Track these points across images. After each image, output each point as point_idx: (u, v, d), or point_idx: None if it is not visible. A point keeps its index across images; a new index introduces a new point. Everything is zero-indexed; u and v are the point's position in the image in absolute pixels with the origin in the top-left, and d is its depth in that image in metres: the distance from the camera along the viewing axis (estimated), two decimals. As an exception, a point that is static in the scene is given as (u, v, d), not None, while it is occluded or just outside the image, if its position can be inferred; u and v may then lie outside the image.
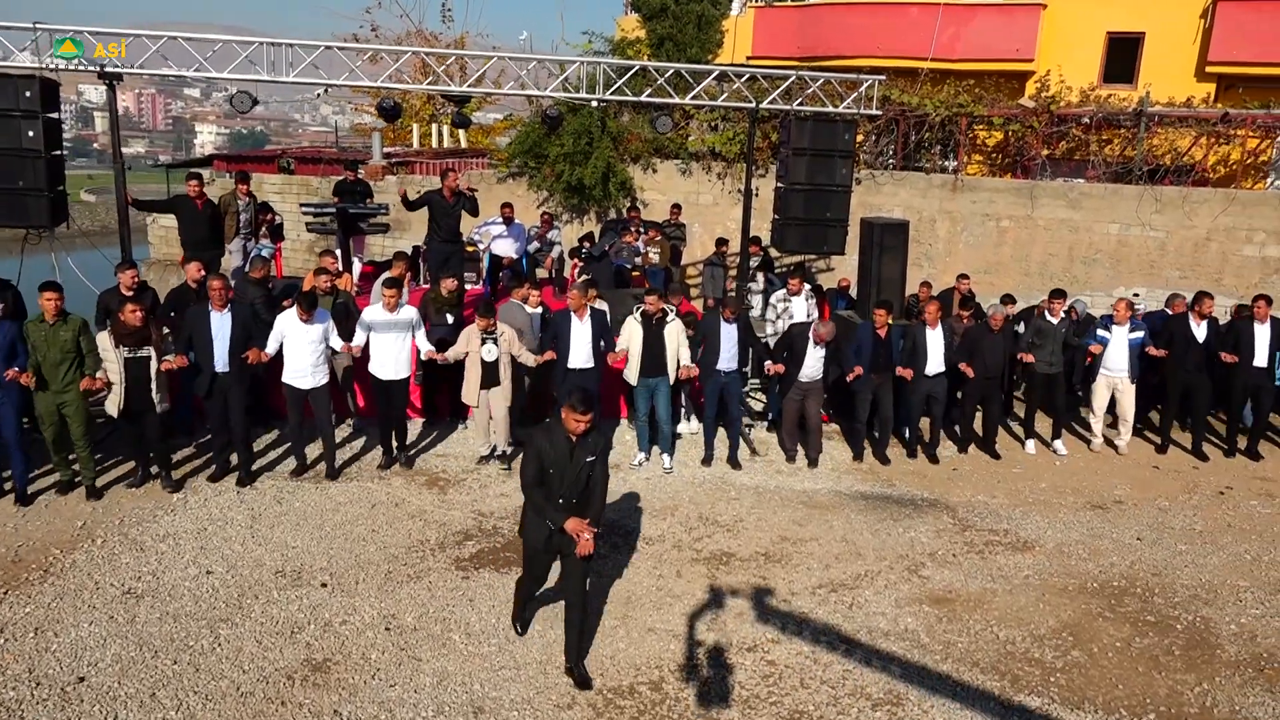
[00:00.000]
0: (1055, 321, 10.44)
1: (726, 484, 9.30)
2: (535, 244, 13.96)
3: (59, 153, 9.74)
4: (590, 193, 16.32)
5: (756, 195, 12.91)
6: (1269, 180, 15.57)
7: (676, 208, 14.94)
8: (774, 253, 14.10)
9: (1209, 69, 17.33)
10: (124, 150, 10.32)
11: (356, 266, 12.79)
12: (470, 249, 13.37)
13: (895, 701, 5.81)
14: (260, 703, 5.50)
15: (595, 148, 16.09)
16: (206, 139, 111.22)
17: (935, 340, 9.97)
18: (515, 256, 13.34)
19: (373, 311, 9.09)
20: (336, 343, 8.92)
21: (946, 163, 16.45)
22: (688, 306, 12.41)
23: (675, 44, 17.33)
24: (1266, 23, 16.48)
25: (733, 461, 9.80)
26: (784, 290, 11.41)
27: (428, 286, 11.65)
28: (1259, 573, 7.79)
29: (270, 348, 8.61)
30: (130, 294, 9.08)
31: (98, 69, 9.63)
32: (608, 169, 16.16)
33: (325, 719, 5.40)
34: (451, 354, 9.26)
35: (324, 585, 6.90)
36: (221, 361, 8.39)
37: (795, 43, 19.83)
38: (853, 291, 13.13)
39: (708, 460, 9.81)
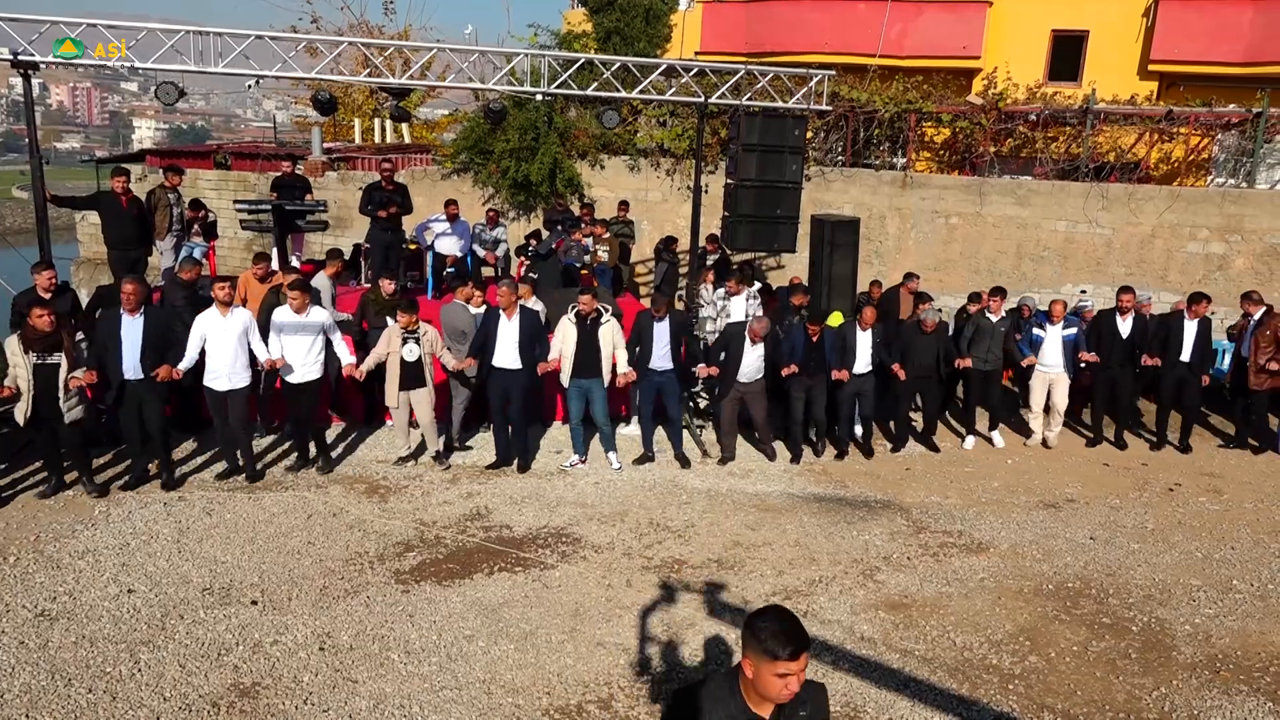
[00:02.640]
0: (994, 319, 10.58)
1: (677, 487, 9.08)
2: (488, 238, 13.63)
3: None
4: (537, 189, 16.01)
5: (706, 192, 12.72)
6: (1210, 178, 15.76)
7: (624, 204, 14.69)
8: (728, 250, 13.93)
9: (1151, 67, 17.51)
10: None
11: (295, 265, 12.34)
12: (413, 247, 13.01)
13: (853, 714, 5.63)
14: (182, 733, 5.15)
15: (542, 144, 15.79)
16: (145, 134, 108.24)
17: (865, 341, 10.06)
18: (460, 255, 12.98)
19: (281, 313, 8.69)
20: (260, 350, 8.48)
21: (896, 159, 16.42)
22: (637, 306, 12.19)
23: (623, 38, 17.11)
24: (1207, 21, 16.70)
25: (680, 459, 9.66)
26: (723, 290, 11.25)
27: (368, 286, 11.27)
28: (1210, 571, 7.76)
29: (190, 355, 8.17)
30: (48, 295, 8.61)
31: (12, 56, 9.11)
32: (554, 165, 15.86)
33: (252, 749, 5.07)
34: (371, 359, 8.92)
35: (254, 603, 6.53)
36: (133, 368, 7.92)
37: (744, 38, 19.68)
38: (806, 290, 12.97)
39: (642, 460, 9.61)
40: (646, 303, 13.72)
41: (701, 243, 12.61)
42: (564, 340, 9.14)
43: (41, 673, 5.61)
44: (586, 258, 12.90)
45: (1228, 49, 16.70)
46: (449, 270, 12.73)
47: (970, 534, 8.31)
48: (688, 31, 19.51)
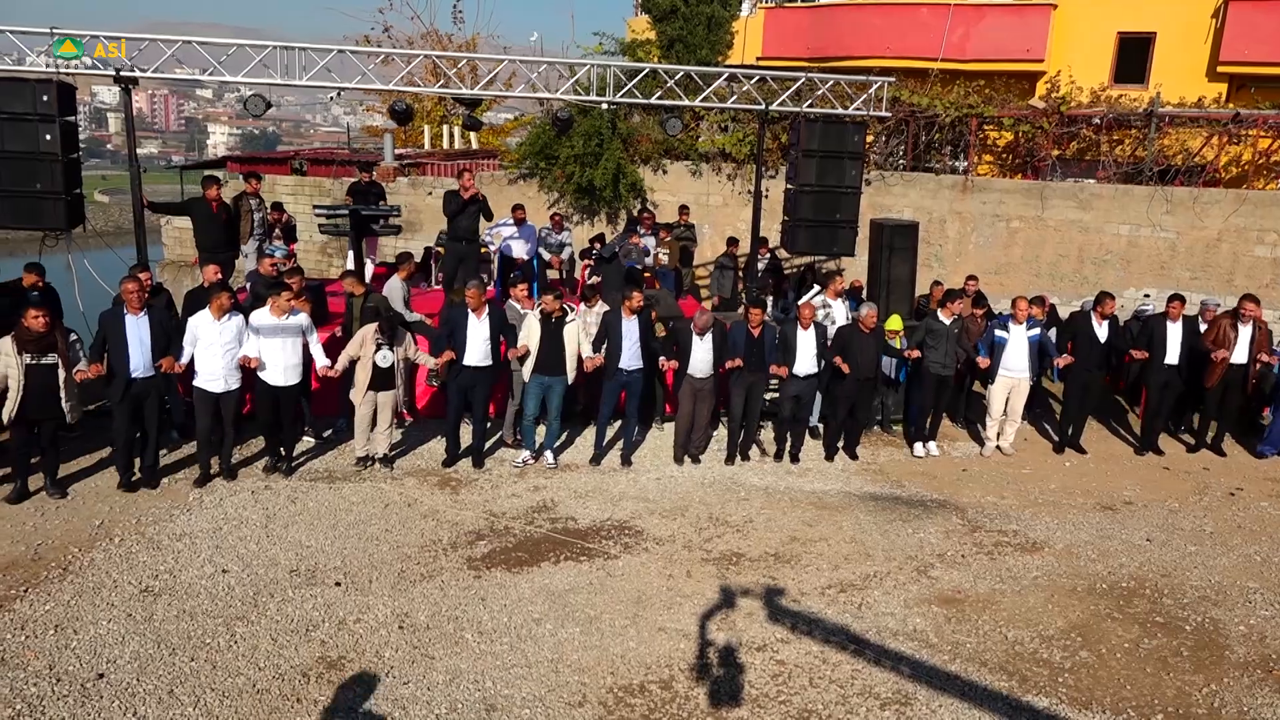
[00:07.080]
0: (948, 323, 10.20)
1: (737, 484, 9.35)
2: (553, 242, 14.05)
3: (76, 155, 9.85)
4: (600, 194, 16.37)
5: (767, 196, 12.96)
6: (1281, 180, 15.53)
7: (685, 209, 14.98)
8: (783, 254, 14.14)
9: (1220, 69, 17.27)
10: (137, 151, 10.41)
11: (369, 267, 12.89)
12: (483, 250, 13.46)
13: (904, 701, 5.85)
14: (276, 700, 5.58)
15: (605, 149, 16.13)
16: (219, 139, 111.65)
17: (807, 341, 9.63)
18: (526, 258, 13.41)
19: (260, 316, 8.68)
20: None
21: (956, 163, 16.45)
22: (697, 307, 12.44)
23: (685, 45, 17.36)
24: (1278, 22, 16.42)
25: (625, 460, 9.74)
26: (822, 295, 11.32)
27: (440, 288, 11.72)
28: (1269, 574, 7.79)
29: (186, 354, 8.31)
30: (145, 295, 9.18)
31: (114, 73, 9.75)
32: (618, 170, 16.19)
33: (339, 716, 5.48)
34: (343, 359, 8.95)
35: (338, 584, 6.97)
36: (143, 366, 8.13)
37: (805, 44, 19.85)
38: (864, 294, 13.13)
39: (596, 460, 9.74)
40: (709, 305, 13.99)
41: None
42: (529, 336, 9.25)
43: (149, 642, 6.10)
44: (647, 260, 13.22)
45: (1300, 50, 16.42)
46: (515, 273, 13.16)
47: (1025, 533, 8.44)
48: (749, 38, 19.73)
